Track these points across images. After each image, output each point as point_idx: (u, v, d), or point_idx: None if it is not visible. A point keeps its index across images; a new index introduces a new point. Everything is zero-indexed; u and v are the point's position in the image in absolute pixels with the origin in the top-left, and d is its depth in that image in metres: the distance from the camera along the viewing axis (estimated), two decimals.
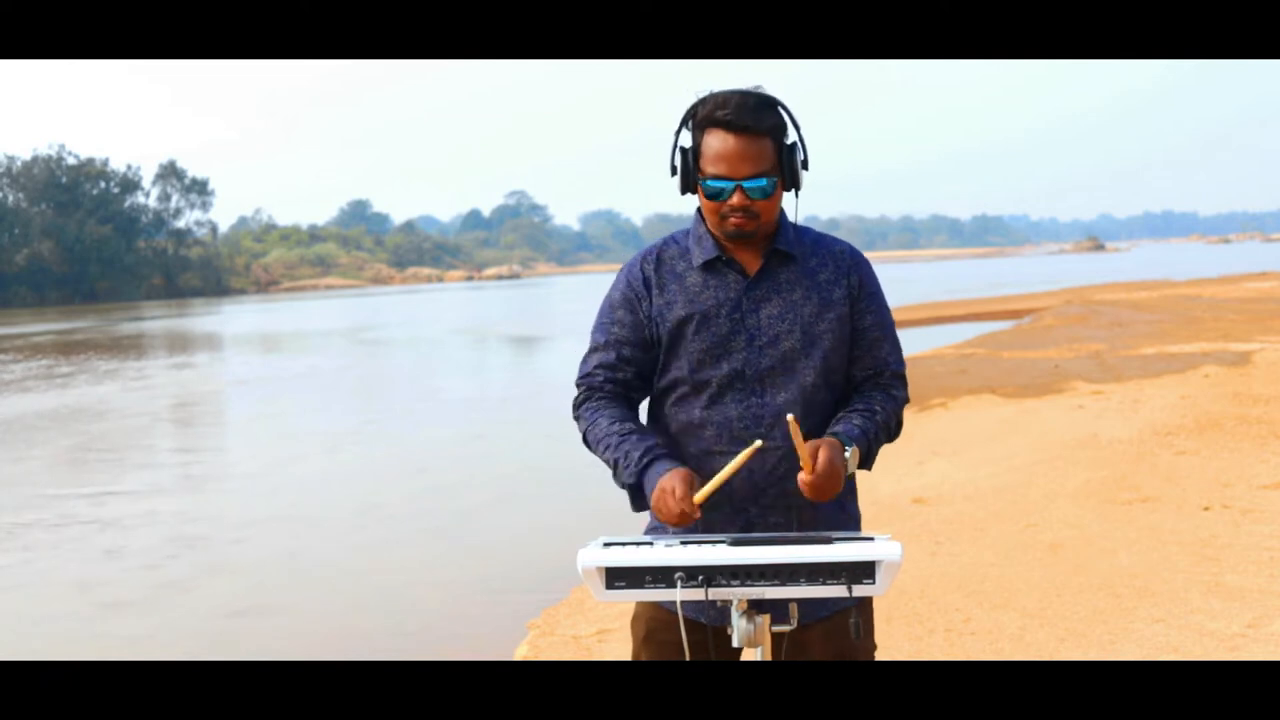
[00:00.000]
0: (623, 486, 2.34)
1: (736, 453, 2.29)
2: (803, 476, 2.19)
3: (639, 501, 2.33)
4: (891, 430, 2.39)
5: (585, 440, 2.41)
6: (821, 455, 2.19)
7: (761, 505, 2.33)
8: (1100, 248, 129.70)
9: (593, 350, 2.42)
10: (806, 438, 2.26)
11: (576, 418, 2.43)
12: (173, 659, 5.46)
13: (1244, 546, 5.71)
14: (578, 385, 2.44)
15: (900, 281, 45.59)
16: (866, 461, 2.34)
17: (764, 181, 2.28)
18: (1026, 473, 7.83)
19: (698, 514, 2.20)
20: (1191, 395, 10.60)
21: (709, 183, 2.30)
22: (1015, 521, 6.55)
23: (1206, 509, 6.49)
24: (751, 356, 2.33)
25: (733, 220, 2.30)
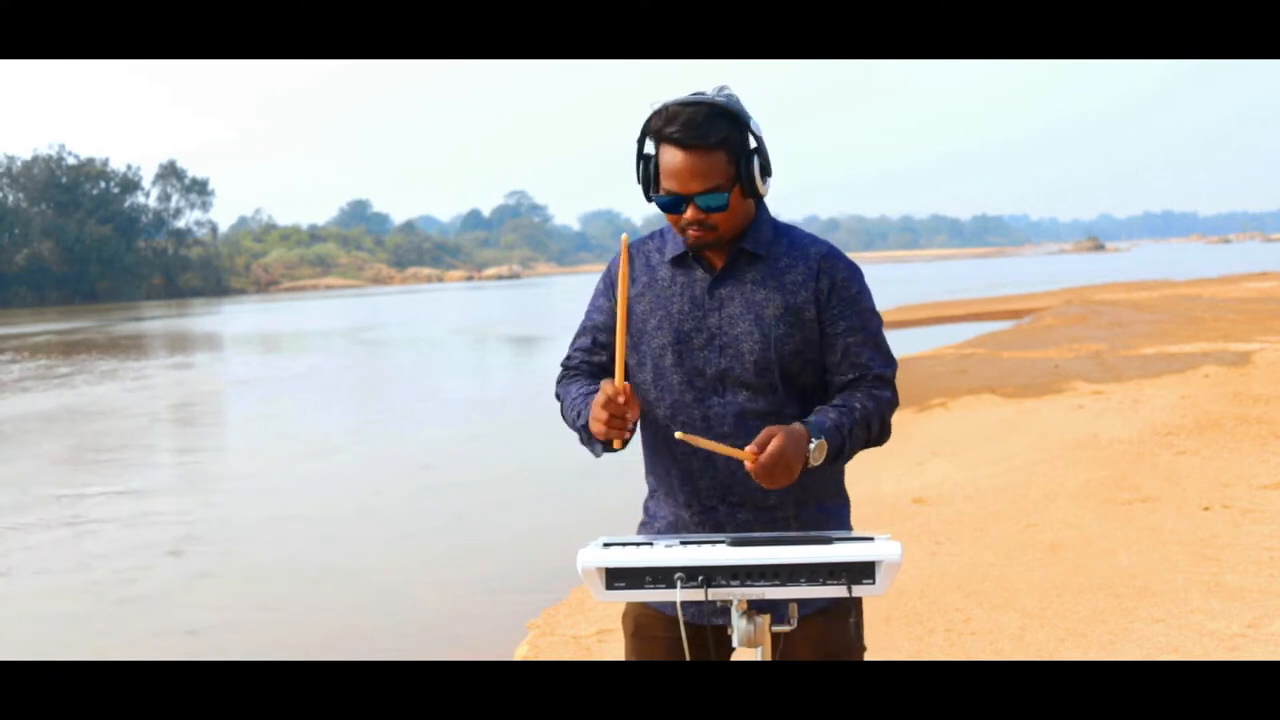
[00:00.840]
0: (578, 432, 2.34)
1: (702, 453, 2.29)
2: (748, 463, 2.15)
3: (590, 441, 2.31)
4: (872, 430, 2.32)
5: (562, 414, 2.43)
6: (774, 443, 2.15)
7: (729, 503, 2.32)
8: (1100, 248, 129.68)
9: (576, 336, 2.49)
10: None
11: (556, 396, 2.47)
12: (172, 659, 5.46)
13: (1244, 546, 5.71)
14: (561, 365, 2.49)
15: (900, 281, 45.59)
16: (837, 457, 2.27)
17: (715, 197, 2.26)
18: (1026, 473, 7.83)
19: (622, 396, 2.17)
20: (1191, 395, 10.60)
21: (662, 198, 2.30)
22: (1015, 521, 6.55)
23: (1206, 509, 6.49)
24: (712, 356, 2.32)
25: (691, 233, 2.30)
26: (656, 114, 2.28)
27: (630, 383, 2.36)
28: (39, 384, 19.33)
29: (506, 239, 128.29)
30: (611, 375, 2.35)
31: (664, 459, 2.37)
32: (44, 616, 6.47)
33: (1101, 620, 4.84)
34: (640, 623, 2.39)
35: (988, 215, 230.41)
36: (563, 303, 45.79)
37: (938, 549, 6.07)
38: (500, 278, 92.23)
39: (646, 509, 2.45)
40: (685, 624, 2.26)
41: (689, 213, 2.28)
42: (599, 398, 2.21)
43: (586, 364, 2.44)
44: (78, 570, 7.38)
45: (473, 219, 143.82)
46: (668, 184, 2.28)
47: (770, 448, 2.15)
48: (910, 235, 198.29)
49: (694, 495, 2.33)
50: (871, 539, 2.11)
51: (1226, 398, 10.32)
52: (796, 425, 2.21)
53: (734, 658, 2.25)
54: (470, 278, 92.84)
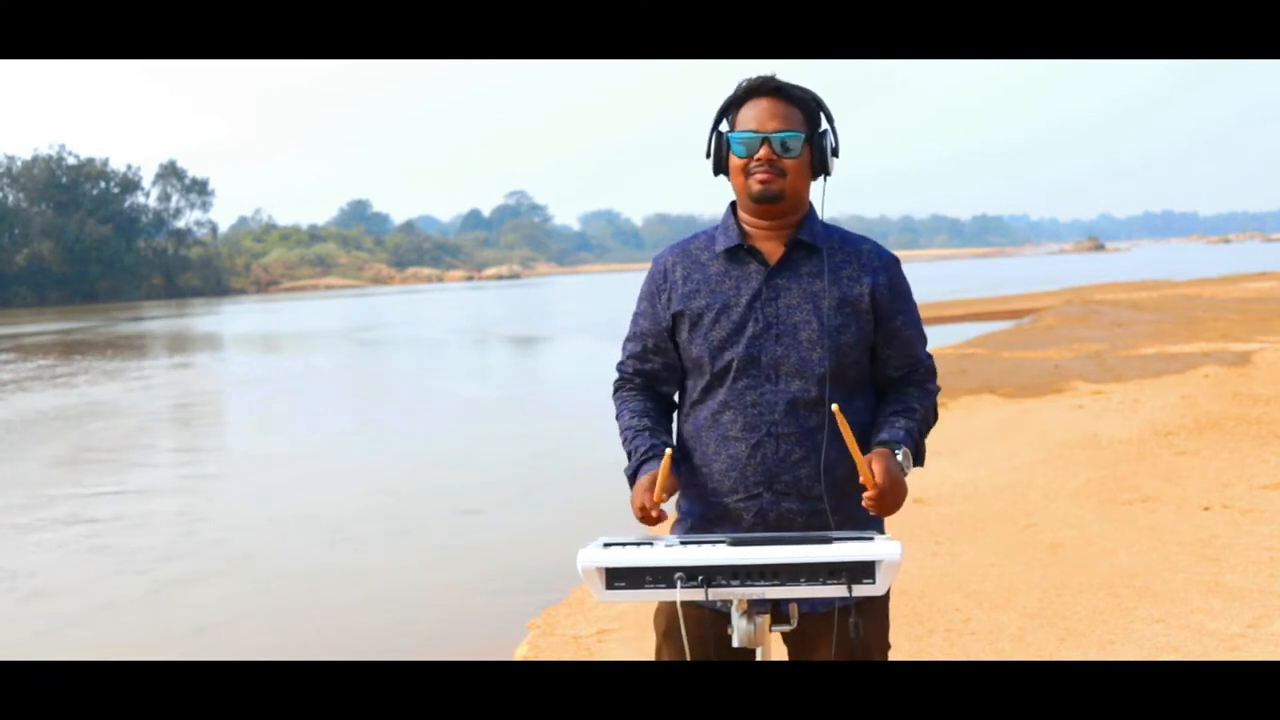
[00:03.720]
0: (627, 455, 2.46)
1: (750, 440, 2.34)
2: (866, 495, 2.23)
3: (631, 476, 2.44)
4: (930, 422, 2.46)
5: (617, 421, 2.53)
6: (877, 467, 2.23)
7: (775, 491, 2.35)
8: (1100, 248, 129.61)
9: (627, 339, 2.54)
10: (819, 429, 2.31)
11: (613, 400, 2.57)
12: (171, 659, 5.46)
13: (1244, 546, 5.71)
14: (616, 369, 2.56)
15: None
16: (918, 459, 2.40)
17: (791, 136, 2.33)
18: (1026, 473, 7.83)
19: (656, 510, 2.28)
20: (1191, 395, 10.60)
21: (736, 135, 2.35)
22: (1015, 521, 6.55)
23: (1206, 509, 6.49)
24: (768, 344, 2.35)
25: (759, 177, 2.34)
26: (739, 86, 2.38)
27: (690, 370, 2.43)
28: (39, 384, 19.32)
29: (506, 239, 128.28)
30: (663, 382, 2.50)
31: (707, 448, 2.39)
32: (44, 616, 6.47)
33: (1101, 620, 4.84)
34: (673, 623, 2.38)
35: (988, 215, 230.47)
36: (562, 303, 45.78)
37: (938, 549, 6.07)
38: (500, 278, 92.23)
39: (679, 507, 2.48)
40: (695, 610, 2.29)
41: (763, 151, 2.33)
42: (639, 494, 2.31)
43: (640, 373, 2.52)
44: (78, 570, 7.38)
45: (473, 219, 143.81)
46: (745, 127, 2.35)
47: (879, 473, 2.23)
48: (910, 235, 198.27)
49: (740, 481, 2.36)
50: (871, 538, 2.11)
51: (1226, 398, 10.32)
52: (877, 447, 2.31)
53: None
54: (470, 278, 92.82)
